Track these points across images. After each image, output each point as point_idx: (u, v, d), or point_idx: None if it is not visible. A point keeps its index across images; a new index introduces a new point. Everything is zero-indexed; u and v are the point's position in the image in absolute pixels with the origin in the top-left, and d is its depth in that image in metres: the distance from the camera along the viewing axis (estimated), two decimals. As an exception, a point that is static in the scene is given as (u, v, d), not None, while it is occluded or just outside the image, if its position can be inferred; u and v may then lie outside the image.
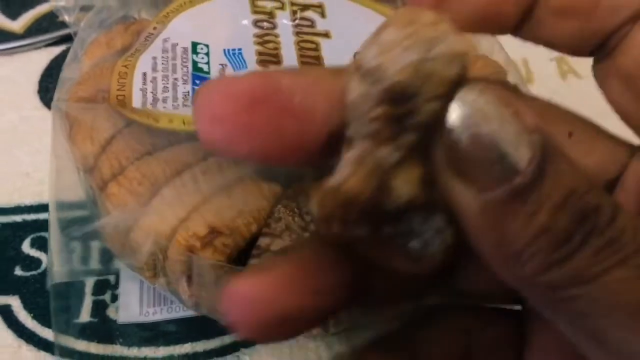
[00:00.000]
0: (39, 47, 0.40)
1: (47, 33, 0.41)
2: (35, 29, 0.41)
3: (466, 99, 0.12)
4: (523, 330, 0.17)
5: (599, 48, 0.16)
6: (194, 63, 0.29)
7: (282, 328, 0.14)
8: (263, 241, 0.24)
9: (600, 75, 0.17)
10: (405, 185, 0.13)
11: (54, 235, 0.27)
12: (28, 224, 0.31)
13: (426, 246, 0.14)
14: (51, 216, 0.27)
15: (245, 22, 0.31)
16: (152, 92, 0.28)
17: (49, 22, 0.42)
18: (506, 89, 0.13)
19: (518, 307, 0.18)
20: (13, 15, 0.42)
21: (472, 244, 0.13)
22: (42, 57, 0.39)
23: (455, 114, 0.12)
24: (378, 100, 0.13)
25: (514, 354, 0.17)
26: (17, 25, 0.42)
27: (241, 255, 0.24)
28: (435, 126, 0.13)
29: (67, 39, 0.40)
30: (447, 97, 0.12)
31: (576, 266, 0.12)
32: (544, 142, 0.12)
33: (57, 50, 0.40)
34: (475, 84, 0.13)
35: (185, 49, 0.29)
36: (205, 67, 0.29)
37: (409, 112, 0.13)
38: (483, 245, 0.13)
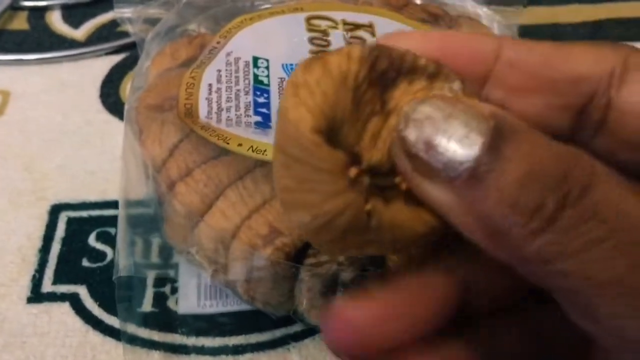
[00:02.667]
0: (100, 55, 0.43)
1: (107, 42, 0.43)
2: (96, 37, 0.44)
3: (414, 114, 0.15)
4: None
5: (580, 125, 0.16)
6: (255, 76, 0.31)
7: (375, 355, 0.15)
8: (319, 242, 0.26)
9: (603, 149, 0.17)
10: None
11: (122, 231, 0.30)
12: (93, 219, 0.33)
13: None
14: (120, 213, 0.30)
15: (301, 39, 0.33)
16: (217, 102, 0.30)
17: (108, 32, 0.45)
18: (448, 96, 0.15)
19: None
20: (75, 24, 0.45)
21: (468, 240, 0.15)
22: (104, 64, 0.42)
23: (406, 130, 0.14)
24: None
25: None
26: (80, 33, 0.44)
27: (299, 254, 0.26)
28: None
29: (126, 48, 0.43)
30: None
31: (556, 238, 0.13)
32: (497, 126, 0.14)
33: (117, 58, 0.42)
34: (417, 100, 0.15)
35: (247, 63, 0.32)
36: (265, 80, 0.31)
37: None
38: (471, 233, 0.14)
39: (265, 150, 0.27)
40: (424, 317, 0.16)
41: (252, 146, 0.28)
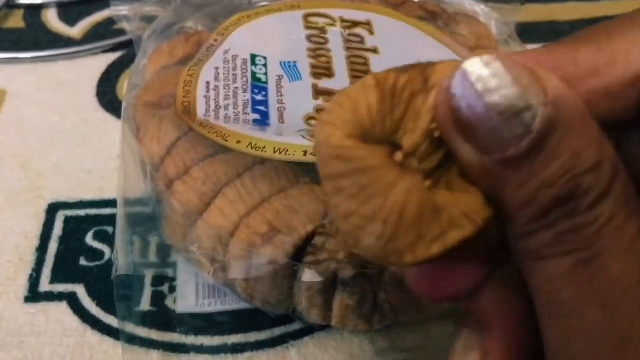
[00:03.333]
0: (97, 53, 0.42)
1: (103, 40, 0.43)
2: (92, 35, 0.44)
3: (472, 69, 0.14)
4: None
5: None
6: (253, 74, 0.31)
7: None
8: (318, 240, 0.26)
9: None
10: None
11: (120, 230, 0.29)
12: (90, 218, 0.33)
13: None
14: (119, 212, 0.30)
15: (299, 36, 0.33)
16: (214, 100, 0.30)
17: (104, 29, 0.44)
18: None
19: None
20: (71, 22, 0.45)
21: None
22: (100, 63, 0.42)
23: (458, 82, 0.14)
24: None
25: None
26: (76, 31, 0.44)
27: (298, 253, 0.26)
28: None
29: (123, 46, 0.43)
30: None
31: (539, 243, 0.14)
32: (551, 116, 0.13)
33: (113, 56, 0.42)
34: (482, 57, 0.14)
35: (244, 60, 0.31)
36: (263, 78, 0.31)
37: None
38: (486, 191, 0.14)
39: (264, 147, 0.27)
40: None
41: (251, 143, 0.27)
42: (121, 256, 0.29)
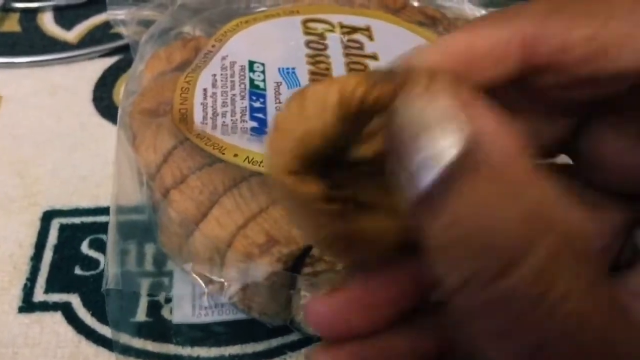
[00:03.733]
0: (93, 58, 0.42)
1: (100, 44, 0.43)
2: (88, 39, 0.43)
3: (406, 105, 0.13)
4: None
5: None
6: (251, 80, 0.31)
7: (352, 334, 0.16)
8: (316, 250, 0.26)
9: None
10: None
11: (111, 240, 0.29)
12: (86, 225, 0.33)
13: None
14: (111, 221, 0.29)
15: (297, 42, 0.33)
16: (212, 107, 0.29)
17: (101, 34, 0.44)
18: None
19: None
20: (67, 26, 0.44)
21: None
22: (97, 67, 0.41)
23: (399, 116, 0.13)
24: None
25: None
26: (72, 35, 0.44)
27: (296, 263, 0.26)
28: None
29: (119, 50, 0.42)
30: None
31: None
32: (463, 153, 0.12)
33: (110, 60, 0.42)
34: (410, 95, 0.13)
35: (242, 67, 0.31)
36: (261, 85, 0.30)
37: None
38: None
39: (261, 162, 0.27)
40: (377, 302, 0.16)
41: (248, 157, 0.27)
42: (111, 267, 0.28)
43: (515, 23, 0.15)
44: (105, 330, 0.29)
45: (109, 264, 0.28)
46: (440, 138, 0.12)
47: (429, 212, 0.12)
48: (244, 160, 0.27)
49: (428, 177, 0.12)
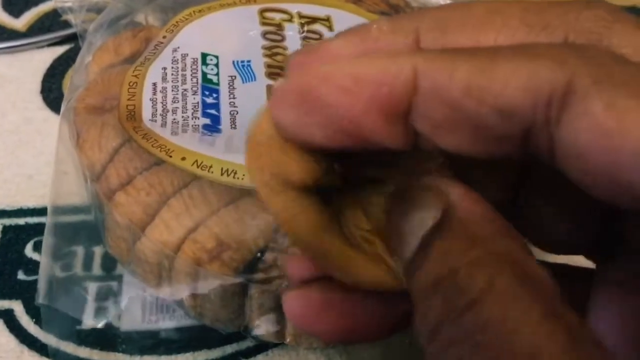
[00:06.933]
0: (42, 46, 0.40)
1: (50, 32, 0.41)
2: (37, 27, 0.41)
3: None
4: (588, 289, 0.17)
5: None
6: (204, 74, 0.29)
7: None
8: (270, 256, 0.25)
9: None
10: None
11: (47, 241, 0.27)
12: (31, 227, 0.31)
13: None
14: (48, 221, 0.27)
15: (254, 33, 0.31)
16: (162, 103, 0.28)
17: (51, 21, 0.42)
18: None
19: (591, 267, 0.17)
20: (16, 13, 0.42)
21: None
22: (46, 57, 0.39)
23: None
24: None
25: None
26: (20, 23, 0.42)
27: (247, 269, 0.25)
28: None
29: (70, 38, 0.40)
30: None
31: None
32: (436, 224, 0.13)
33: (60, 49, 0.40)
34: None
35: (195, 60, 0.29)
36: (214, 79, 0.29)
37: None
38: None
39: (211, 167, 0.25)
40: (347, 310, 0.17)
41: (196, 160, 0.26)
42: (42, 279, 0.26)
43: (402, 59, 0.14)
44: (49, 339, 0.27)
45: (41, 276, 0.26)
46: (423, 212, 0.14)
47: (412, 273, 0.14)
48: (192, 164, 0.25)
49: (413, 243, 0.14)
